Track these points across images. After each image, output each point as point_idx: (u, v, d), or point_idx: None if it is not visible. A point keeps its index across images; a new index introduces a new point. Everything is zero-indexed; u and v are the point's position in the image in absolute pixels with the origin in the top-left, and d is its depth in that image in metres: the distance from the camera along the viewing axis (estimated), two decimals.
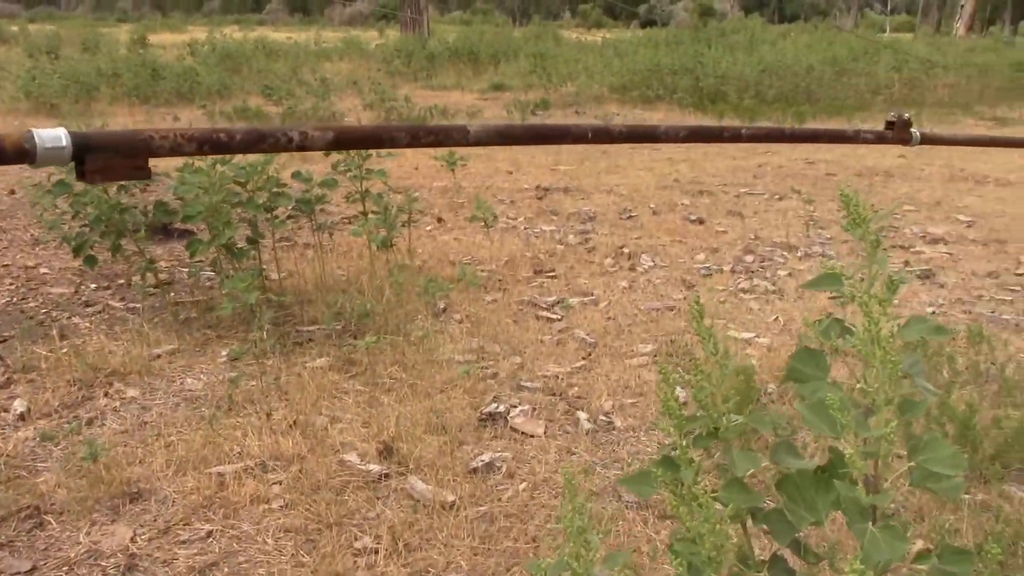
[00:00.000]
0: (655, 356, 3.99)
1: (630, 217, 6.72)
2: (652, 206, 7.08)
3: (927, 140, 3.39)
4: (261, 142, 1.90)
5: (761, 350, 4.03)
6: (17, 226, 6.33)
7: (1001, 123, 13.41)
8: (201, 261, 4.83)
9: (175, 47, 23.80)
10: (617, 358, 3.98)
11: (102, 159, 1.74)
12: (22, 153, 1.66)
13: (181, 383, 3.78)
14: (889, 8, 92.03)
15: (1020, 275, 5.38)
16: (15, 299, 4.91)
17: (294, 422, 3.33)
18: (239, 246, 4.41)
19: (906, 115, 3.31)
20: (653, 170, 8.61)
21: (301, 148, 1.97)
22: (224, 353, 4.05)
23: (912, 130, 3.31)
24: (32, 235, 6.12)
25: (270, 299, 4.23)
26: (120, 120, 12.11)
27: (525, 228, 6.36)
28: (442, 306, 4.56)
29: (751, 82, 14.63)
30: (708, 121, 12.83)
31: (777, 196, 7.56)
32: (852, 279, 1.44)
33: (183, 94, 14.26)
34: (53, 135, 1.69)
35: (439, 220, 6.56)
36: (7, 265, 5.55)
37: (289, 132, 1.91)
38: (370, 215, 4.91)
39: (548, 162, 8.92)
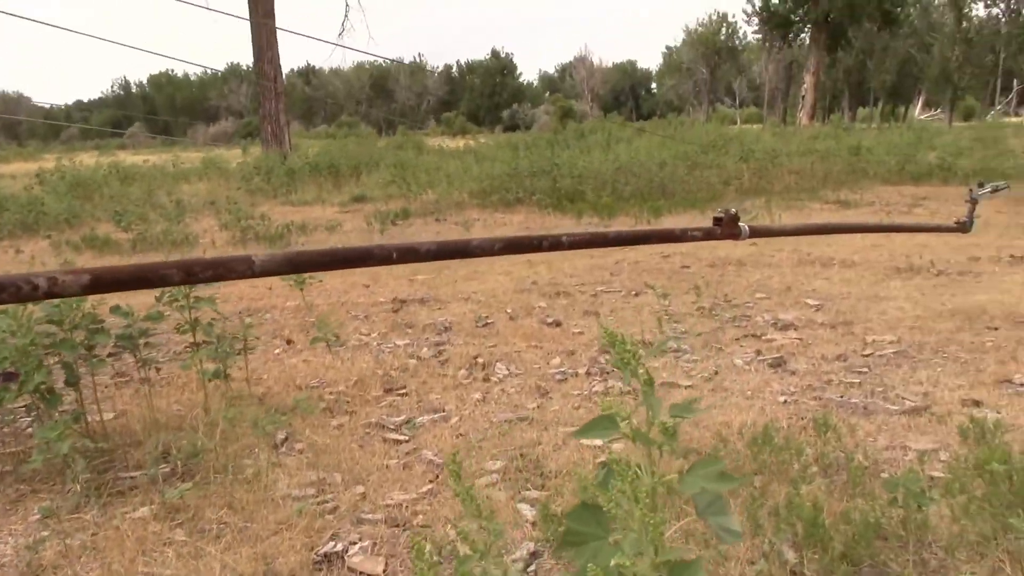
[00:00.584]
0: (504, 473, 3.81)
1: (486, 324, 6.61)
2: (509, 311, 6.99)
3: (756, 233, 3.38)
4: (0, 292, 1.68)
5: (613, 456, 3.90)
6: None
7: (844, 205, 14.00)
8: (23, 405, 4.47)
9: (26, 176, 23.05)
10: (465, 478, 3.78)
11: None
12: None
13: None
14: (738, 102, 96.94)
15: (867, 355, 5.45)
16: None
17: None
18: (55, 390, 4.08)
19: (733, 210, 3.29)
20: (511, 274, 8.57)
21: (49, 295, 1.75)
22: (36, 509, 3.69)
23: (741, 224, 3.29)
24: None
25: (87, 446, 3.90)
26: None
27: (378, 344, 6.16)
28: (283, 436, 4.30)
29: (608, 180, 14.95)
30: (568, 220, 13.00)
31: (633, 292, 7.58)
32: (629, 418, 1.32)
33: (28, 225, 13.70)
34: None
35: (289, 342, 6.31)
36: None
37: (34, 279, 1.70)
38: (202, 346, 4.65)
39: (407, 272, 8.79)
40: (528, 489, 3.63)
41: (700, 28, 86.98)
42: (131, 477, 3.92)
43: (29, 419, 4.60)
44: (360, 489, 3.73)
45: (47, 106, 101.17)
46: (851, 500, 3.23)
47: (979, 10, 71.60)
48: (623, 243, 3.25)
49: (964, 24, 63.64)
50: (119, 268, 2.02)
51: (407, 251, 2.48)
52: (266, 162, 21.63)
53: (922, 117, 69.96)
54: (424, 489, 3.72)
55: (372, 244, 2.39)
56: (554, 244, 2.95)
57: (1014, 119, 65.36)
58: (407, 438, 4.33)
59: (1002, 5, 63.48)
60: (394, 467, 3.97)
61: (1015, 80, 72.95)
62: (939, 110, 71.78)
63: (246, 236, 11.95)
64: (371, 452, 4.15)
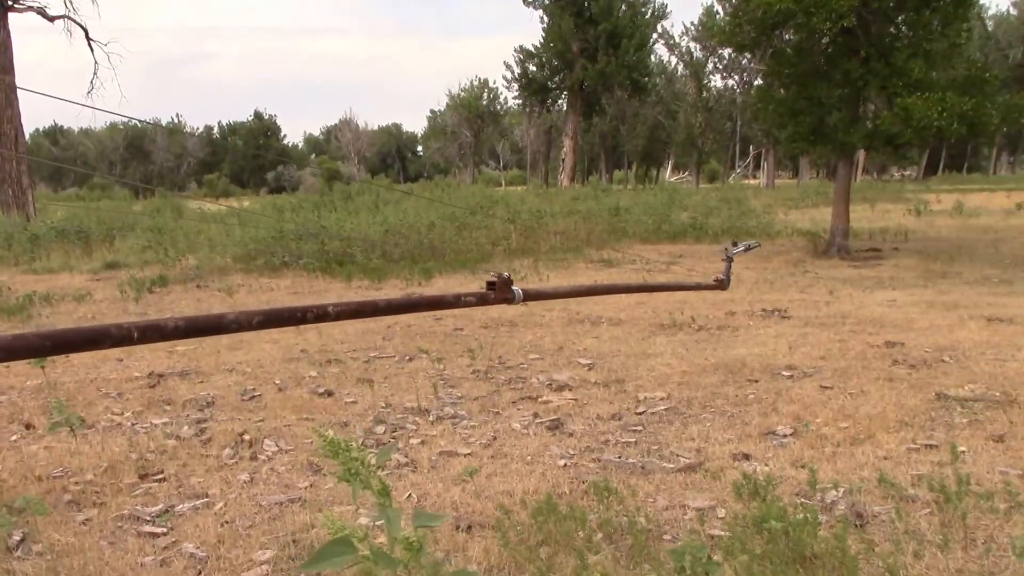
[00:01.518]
0: (275, 564, 3.51)
1: (253, 397, 6.23)
2: (277, 382, 6.64)
3: (529, 296, 3.30)
4: None
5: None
6: None
7: (608, 264, 14.49)
8: None
9: None
10: (231, 573, 3.45)
11: None
12: None
13: None
14: (503, 164, 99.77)
15: (639, 413, 5.52)
16: None
17: None
18: None
19: (505, 274, 3.20)
20: (279, 341, 8.20)
21: None
22: None
23: (514, 288, 3.21)
24: None
25: None
26: None
27: (132, 424, 5.66)
28: (19, 537, 3.80)
29: (377, 242, 14.79)
30: (337, 284, 12.71)
31: (407, 357, 7.42)
32: (367, 537, 1.16)
33: None
34: None
35: (28, 427, 5.69)
36: None
37: None
38: None
39: (165, 344, 8.24)
40: None
41: (463, 93, 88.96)
42: None
43: None
44: None
45: None
46: (638, 567, 3.18)
47: (717, 80, 77.20)
48: (394, 311, 3.09)
49: (704, 94, 68.55)
50: None
51: (151, 329, 2.20)
52: (6, 227, 20.01)
53: (672, 179, 74.64)
54: None
55: (109, 323, 2.10)
56: (320, 315, 2.74)
57: (752, 181, 70.87)
58: (165, 530, 3.93)
59: (736, 77, 68.85)
60: (150, 565, 3.57)
61: (751, 146, 79.16)
62: (687, 173, 76.78)
63: None
64: (123, 549, 3.73)
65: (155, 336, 2.25)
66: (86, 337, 2.18)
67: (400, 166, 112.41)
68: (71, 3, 31.63)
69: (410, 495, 4.23)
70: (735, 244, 5.68)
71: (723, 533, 3.49)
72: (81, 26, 30.97)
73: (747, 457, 4.59)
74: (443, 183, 45.23)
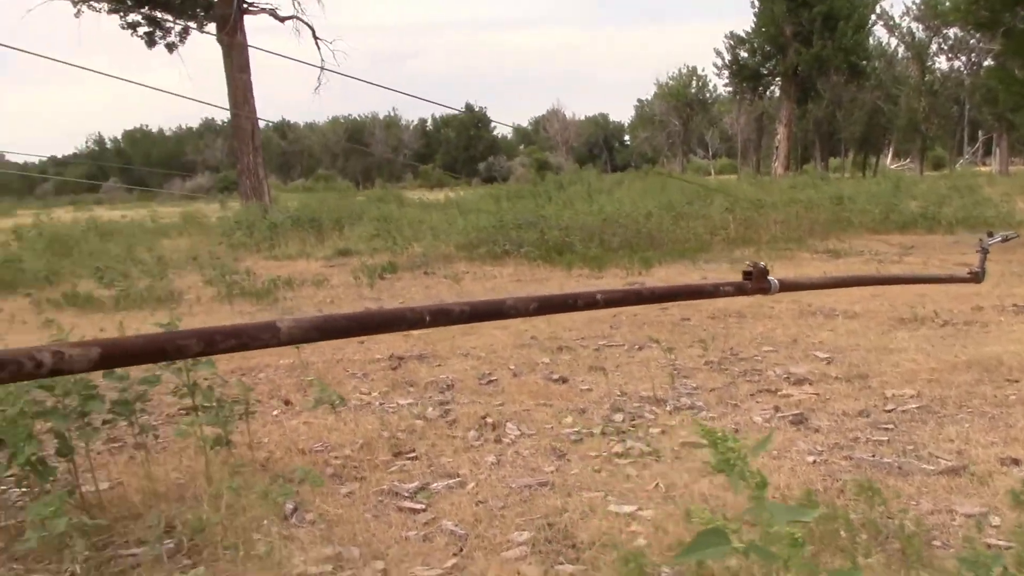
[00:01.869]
0: (533, 545, 3.59)
1: (490, 382, 6.40)
2: (512, 367, 6.79)
3: (785, 287, 3.21)
4: None
5: (647, 527, 3.68)
6: None
7: (834, 255, 13.94)
8: (12, 475, 4.21)
9: (1, 232, 22.73)
10: (491, 552, 3.56)
11: None
12: None
13: None
14: (712, 153, 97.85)
15: (889, 411, 5.28)
16: None
17: None
18: (46, 462, 3.82)
19: (761, 264, 3.12)
20: (508, 328, 8.37)
21: (55, 372, 1.54)
22: None
23: (770, 278, 3.13)
24: None
25: (85, 523, 3.64)
26: None
27: (380, 404, 5.93)
28: (291, 507, 4.06)
29: (595, 231, 14.84)
30: (558, 272, 12.84)
31: (637, 346, 7.40)
32: (739, 530, 1.14)
33: (6, 283, 13.39)
34: None
35: (287, 403, 6.07)
36: None
37: (37, 354, 1.48)
38: (200, 411, 4.40)
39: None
40: (561, 563, 3.41)
41: (671, 81, 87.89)
42: (133, 555, 3.66)
43: (20, 491, 4.33)
44: (380, 565, 3.50)
45: (21, 161, 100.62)
46: (914, 573, 3.04)
47: (941, 62, 72.63)
48: (657, 300, 3.07)
49: (927, 76, 64.77)
50: (131, 340, 1.81)
51: (440, 313, 2.28)
52: (247, 216, 21.43)
53: (893, 167, 70.83)
54: (448, 564, 3.49)
55: (403, 307, 2.20)
56: (589, 303, 2.77)
57: (983, 168, 66.31)
58: (423, 506, 4.09)
59: (963, 58, 64.72)
60: (413, 539, 3.73)
61: (980, 131, 74.21)
62: (909, 160, 72.77)
63: (232, 292, 11.70)
64: (387, 523, 3.92)
65: (443, 320, 2.34)
66: (384, 320, 2.30)
67: (607, 156, 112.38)
68: (299, 4, 33.42)
69: (657, 484, 4.21)
70: (990, 235, 5.31)
71: (1003, 543, 3.29)
72: (308, 25, 32.60)
73: (1016, 462, 4.30)
74: (652, 172, 44.88)
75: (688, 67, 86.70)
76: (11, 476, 4.21)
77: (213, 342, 1.72)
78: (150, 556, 3.56)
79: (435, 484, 4.36)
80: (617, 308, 8.92)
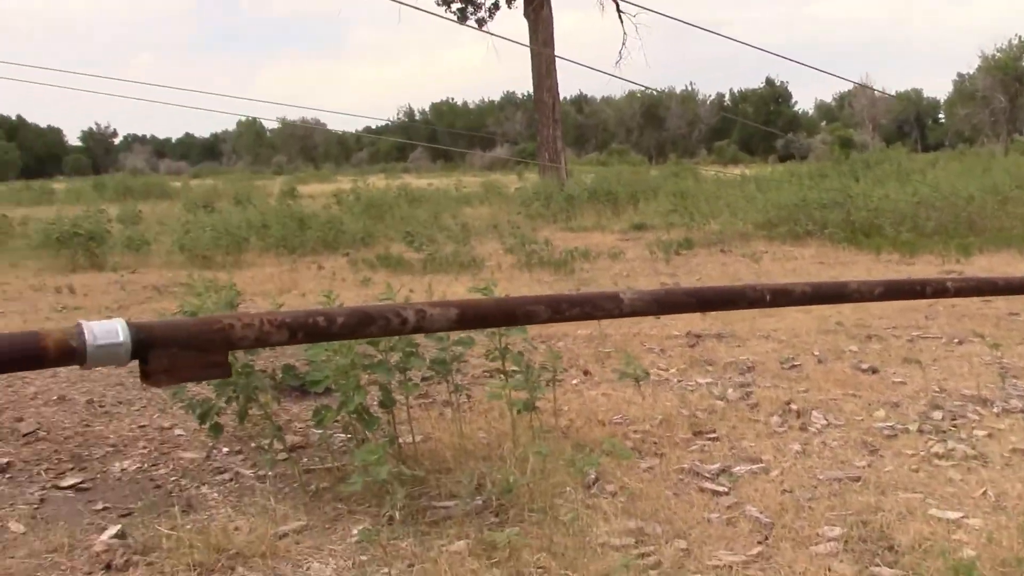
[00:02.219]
0: (845, 543, 3.40)
1: (793, 367, 6.15)
2: (816, 353, 6.49)
3: None
4: (368, 325, 1.53)
5: (974, 536, 3.39)
6: None
7: None
8: (337, 421, 4.55)
9: (323, 197, 24.70)
10: (799, 544, 3.41)
11: (169, 356, 1.41)
12: (67, 353, 1.34)
13: (307, 569, 3.41)
14: None
15: None
16: (146, 465, 4.70)
17: None
18: (370, 412, 4.08)
19: None
20: (812, 312, 8.01)
21: (417, 330, 1.60)
22: (355, 531, 3.67)
23: None
24: (172, 392, 5.99)
25: (403, 473, 3.85)
26: (267, 270, 12.31)
27: (679, 381, 5.87)
28: (593, 476, 4.09)
29: (907, 214, 13.91)
30: (864, 256, 12.17)
31: (956, 340, 6.86)
32: None
33: (328, 243, 14.52)
34: (107, 329, 1.36)
35: (586, 373, 6.15)
36: (144, 426, 5.39)
37: (403, 311, 1.54)
38: (510, 375, 4.53)
39: None
40: (877, 565, 3.21)
41: (998, 53, 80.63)
42: (445, 507, 3.83)
43: (344, 437, 4.67)
44: (682, 544, 3.45)
45: (340, 132, 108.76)
46: None
47: None
48: (1015, 292, 2.80)
49: None
50: (484, 303, 1.85)
51: (780, 293, 2.18)
52: (544, 188, 21.97)
53: None
54: (753, 551, 3.38)
55: (743, 284, 2.12)
56: (938, 290, 2.57)
57: None
58: (726, 489, 4.00)
59: None
60: (716, 522, 3.65)
61: None
62: None
63: (531, 261, 12.03)
64: (688, 502, 3.86)
65: (784, 300, 2.24)
66: (725, 297, 2.23)
67: (919, 134, 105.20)
68: None
69: (985, 491, 3.87)
70: None
71: None
72: None
73: None
74: (970, 153, 41.54)
75: (1019, 38, 79.09)
76: (337, 422, 4.54)
77: (560, 309, 1.73)
78: (461, 511, 3.72)
79: (737, 468, 4.25)
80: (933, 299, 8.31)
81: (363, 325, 1.50)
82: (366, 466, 3.61)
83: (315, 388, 4.11)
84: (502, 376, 4.64)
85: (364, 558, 3.45)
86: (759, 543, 3.45)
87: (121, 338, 1.37)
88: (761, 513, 3.71)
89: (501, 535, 2.99)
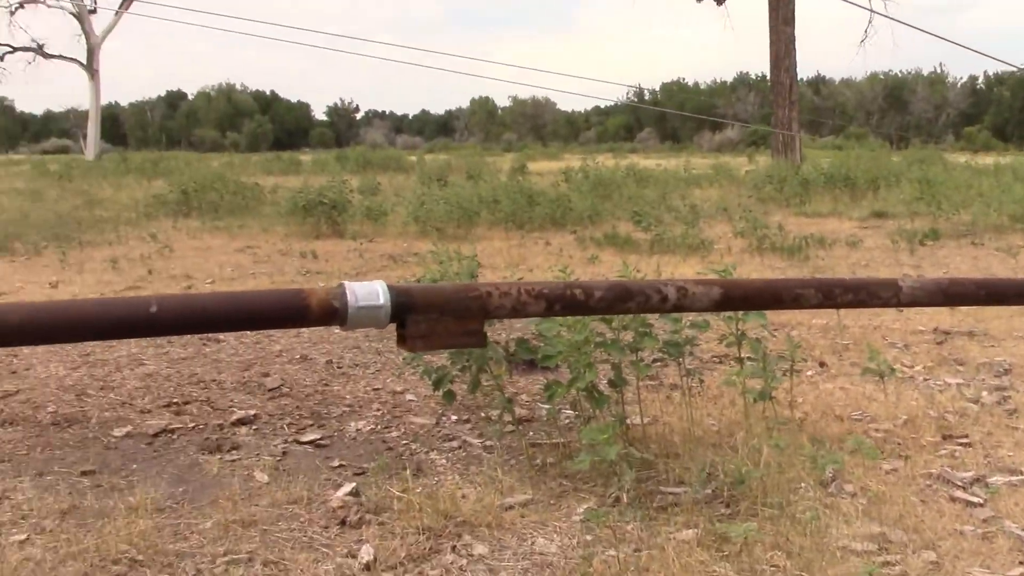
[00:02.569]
0: None
1: None
2: None
3: None
4: (627, 300, 1.45)
5: None
6: (392, 347, 6.41)
7: None
8: (565, 397, 4.53)
9: (551, 174, 24.91)
10: None
11: (427, 322, 1.38)
12: (330, 313, 1.34)
13: (532, 543, 3.41)
14: None
15: None
16: (379, 427, 4.87)
17: None
18: (600, 391, 4.02)
19: None
20: None
21: (677, 308, 1.51)
22: (580, 510, 3.64)
23: None
24: (404, 358, 6.18)
25: (631, 455, 3.78)
26: (496, 244, 12.53)
27: (924, 380, 5.48)
28: (831, 475, 3.87)
29: None
30: None
31: None
32: None
33: (556, 220, 14.60)
34: (368, 290, 1.34)
35: (821, 364, 5.85)
36: (377, 389, 5.59)
37: (663, 288, 1.46)
38: (745, 362, 4.36)
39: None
40: None
41: None
42: (673, 493, 3.73)
43: (571, 413, 4.65)
44: (931, 556, 3.19)
45: (569, 111, 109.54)
46: None
47: None
48: None
49: None
50: (750, 283, 1.74)
51: None
52: (777, 171, 21.20)
53: None
54: (1014, 572, 3.08)
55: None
56: None
57: None
58: (981, 501, 3.68)
59: None
60: (970, 535, 3.36)
61: None
62: None
63: (762, 245, 11.64)
64: (937, 511, 3.58)
65: None
66: (1018, 291, 2.00)
67: None
68: None
69: None
70: None
71: None
72: None
73: None
74: None
75: None
76: (565, 398, 4.52)
77: (832, 295, 1.60)
78: (690, 498, 3.60)
79: (994, 478, 3.90)
80: None
81: (621, 300, 1.42)
82: (594, 445, 3.56)
83: (547, 364, 4.10)
84: (736, 363, 4.47)
85: (589, 538, 3.40)
86: (1020, 563, 3.15)
87: (382, 300, 1.35)
88: (1023, 531, 3.38)
89: (737, 528, 2.86)
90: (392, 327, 1.35)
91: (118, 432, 4.75)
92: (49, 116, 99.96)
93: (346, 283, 1.35)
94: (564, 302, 1.46)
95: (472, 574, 3.18)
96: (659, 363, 4.31)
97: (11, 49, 43.86)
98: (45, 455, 4.41)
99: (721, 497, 3.64)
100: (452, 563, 3.25)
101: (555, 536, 3.46)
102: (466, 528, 3.52)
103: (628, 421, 4.29)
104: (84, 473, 4.13)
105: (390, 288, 1.38)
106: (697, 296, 1.45)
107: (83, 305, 1.22)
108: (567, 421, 4.69)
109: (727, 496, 3.63)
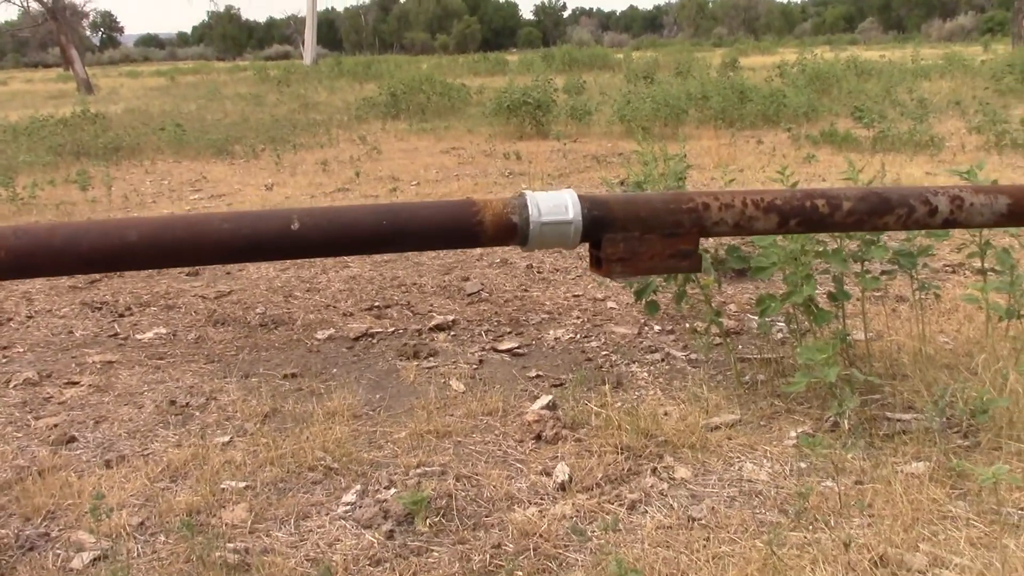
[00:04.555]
0: None
1: None
2: None
3: None
4: (883, 214, 1.14)
5: None
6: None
7: None
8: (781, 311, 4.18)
9: (764, 69, 23.68)
10: None
11: (627, 241, 1.13)
12: (507, 230, 1.10)
13: (740, 468, 3.14)
14: None
15: None
16: (579, 336, 4.68)
17: (880, 557, 2.50)
18: (818, 305, 3.65)
19: None
20: None
21: (949, 224, 1.18)
22: (793, 434, 3.33)
23: None
24: None
25: (853, 376, 3.41)
26: (704, 143, 11.98)
27: None
28: None
29: None
30: None
31: None
32: None
33: (768, 117, 13.82)
34: (555, 202, 1.10)
35: None
36: (578, 296, 5.41)
37: (932, 198, 1.13)
38: (988, 275, 3.85)
39: None
40: None
41: None
42: (901, 420, 3.36)
43: (784, 327, 4.29)
44: None
45: (784, 2, 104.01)
46: None
47: None
48: None
49: None
50: None
51: None
52: (1020, 59, 19.22)
53: None
54: None
55: None
56: None
57: None
58: None
59: None
60: None
61: None
62: None
63: (1001, 142, 10.56)
64: None
65: None
66: None
67: None
68: None
69: None
70: None
71: None
72: None
73: None
74: None
75: None
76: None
77: None
78: (921, 427, 3.23)
79: None
80: None
81: (876, 214, 1.12)
82: (811, 365, 3.23)
83: (760, 276, 3.75)
84: (976, 275, 3.97)
85: (803, 465, 3.11)
86: None
87: (571, 214, 1.11)
88: None
89: (984, 471, 2.47)
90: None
91: (321, 335, 4.79)
92: (271, 23, 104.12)
93: (527, 192, 1.12)
94: (802, 216, 1.17)
95: (673, 499, 2.96)
96: (886, 276, 3.85)
97: None
98: (251, 356, 4.50)
99: (958, 427, 3.24)
100: (652, 486, 3.04)
101: (765, 462, 3.18)
102: (668, 449, 3.30)
103: (849, 337, 3.90)
104: (286, 376, 4.17)
105: (582, 199, 1.13)
106: (976, 208, 1.13)
107: (210, 220, 1.04)
108: (779, 335, 4.34)
109: (965, 426, 3.22)
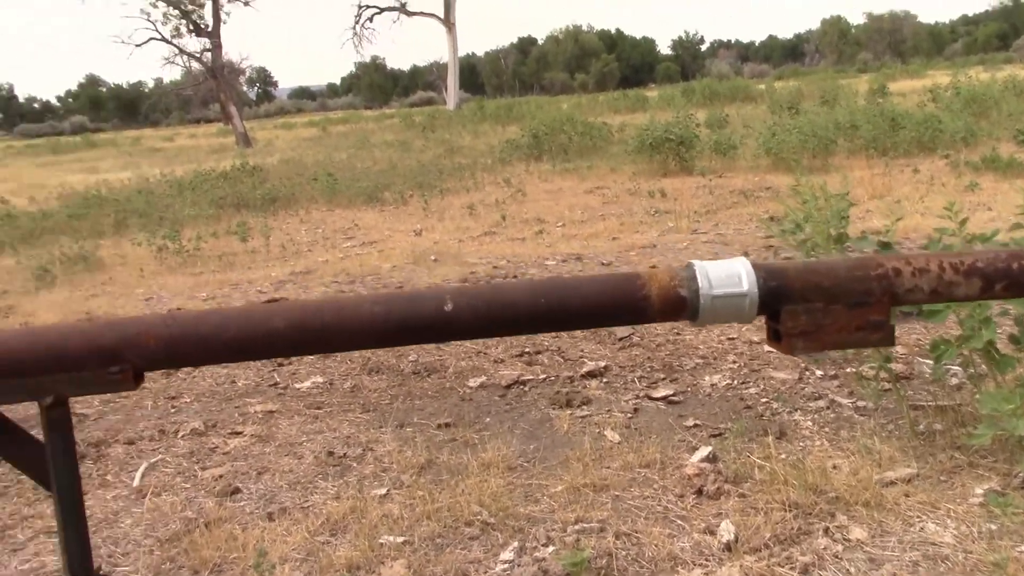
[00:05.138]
0: None
1: None
2: None
3: None
4: None
5: None
6: None
7: None
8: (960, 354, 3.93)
9: (915, 94, 22.85)
10: None
11: (809, 313, 1.03)
12: (676, 304, 1.02)
13: (921, 529, 2.93)
14: None
15: None
16: (736, 381, 4.52)
17: None
18: (998, 349, 3.40)
19: None
20: None
21: None
22: (979, 492, 3.10)
23: None
24: None
25: None
26: (856, 174, 11.57)
27: None
28: None
29: None
30: None
31: None
32: None
33: (924, 143, 13.27)
34: (727, 271, 1.01)
35: None
36: (732, 338, 5.24)
37: None
38: None
39: None
40: None
41: None
42: None
43: (959, 370, 4.03)
44: None
45: (931, 23, 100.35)
46: None
47: None
48: None
49: None
50: None
51: None
52: None
53: None
54: None
55: None
56: None
57: None
58: None
59: None
60: None
61: None
62: None
63: None
64: None
65: None
66: None
67: None
68: None
69: None
70: None
71: None
72: None
73: None
74: None
75: None
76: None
77: None
78: None
79: None
80: None
81: None
82: (997, 416, 3.00)
83: (934, 320, 3.52)
84: None
85: (993, 527, 2.88)
86: None
87: (745, 286, 1.02)
88: None
89: None
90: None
91: (473, 382, 4.78)
92: (415, 71, 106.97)
93: (695, 263, 1.04)
94: (1009, 280, 1.05)
95: (850, 563, 2.77)
96: None
97: (378, 10, 47.03)
98: (405, 405, 4.52)
99: None
100: (825, 548, 2.86)
101: (949, 522, 2.96)
102: (839, 506, 3.11)
103: None
104: (440, 426, 4.17)
105: (756, 268, 1.04)
106: None
107: (360, 304, 1.01)
108: (954, 380, 4.08)
109: None
